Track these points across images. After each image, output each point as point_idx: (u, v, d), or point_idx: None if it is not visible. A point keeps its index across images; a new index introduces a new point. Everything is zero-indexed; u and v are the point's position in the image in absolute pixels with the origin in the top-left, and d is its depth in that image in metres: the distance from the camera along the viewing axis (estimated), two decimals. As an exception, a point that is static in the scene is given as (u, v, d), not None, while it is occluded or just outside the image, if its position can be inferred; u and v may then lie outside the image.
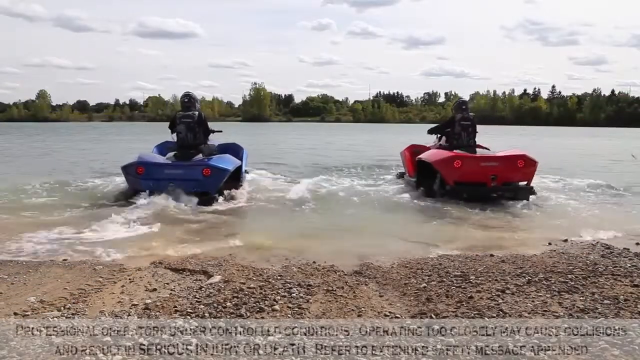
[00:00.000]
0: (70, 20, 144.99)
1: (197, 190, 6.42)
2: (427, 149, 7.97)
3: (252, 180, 8.63)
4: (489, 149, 7.72)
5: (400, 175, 9.13)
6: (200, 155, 6.98)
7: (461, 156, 6.79)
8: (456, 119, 7.58)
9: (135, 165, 6.56)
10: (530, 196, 6.79)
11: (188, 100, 7.28)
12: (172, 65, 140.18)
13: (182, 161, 6.80)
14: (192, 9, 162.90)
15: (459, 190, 6.69)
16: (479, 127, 7.79)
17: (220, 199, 6.58)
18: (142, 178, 6.47)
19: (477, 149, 7.56)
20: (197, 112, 7.20)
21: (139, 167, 6.53)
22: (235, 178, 7.38)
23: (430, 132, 8.13)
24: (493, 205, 6.57)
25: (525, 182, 6.86)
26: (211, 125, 7.53)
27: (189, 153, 6.98)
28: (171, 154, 7.27)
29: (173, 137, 7.39)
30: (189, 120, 7.10)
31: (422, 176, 7.46)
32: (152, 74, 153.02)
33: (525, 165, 6.70)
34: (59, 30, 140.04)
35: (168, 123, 7.54)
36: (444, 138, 7.78)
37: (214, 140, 7.72)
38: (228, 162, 7.01)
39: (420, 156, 7.50)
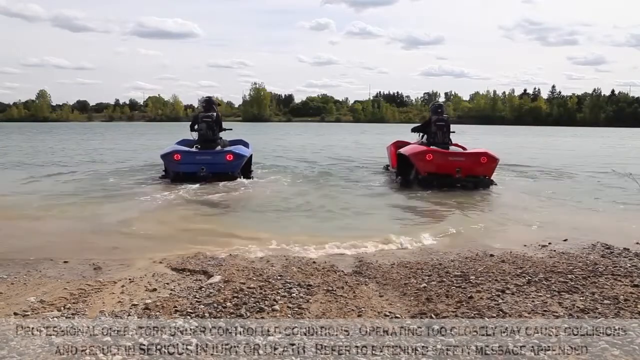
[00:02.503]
0: (69, 20, 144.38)
1: (222, 172, 8.15)
2: (410, 144, 9.23)
3: (254, 180, 8.92)
4: (465, 148, 8.90)
5: (386, 167, 10.29)
6: (219, 147, 8.62)
7: (432, 151, 7.97)
8: (432, 120, 8.69)
9: (173, 154, 8.21)
10: (491, 186, 8.00)
11: (208, 103, 8.89)
12: (172, 65, 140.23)
13: (205, 151, 8.43)
14: (191, 8, 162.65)
15: (430, 179, 7.82)
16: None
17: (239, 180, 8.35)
18: (179, 163, 8.10)
19: (452, 147, 8.68)
20: (215, 113, 8.72)
21: (176, 154, 8.17)
22: (247, 167, 8.94)
23: (413, 130, 9.26)
24: (492, 205, 6.62)
25: (487, 175, 8.02)
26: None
27: (210, 146, 8.56)
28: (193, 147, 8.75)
29: (193, 135, 8.84)
30: (209, 119, 8.62)
31: (402, 167, 8.61)
32: (151, 73, 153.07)
33: (487, 161, 7.94)
34: (58, 30, 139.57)
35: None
36: (425, 136, 8.87)
37: (224, 136, 9.21)
38: (245, 151, 8.80)
39: (400, 150, 8.69)
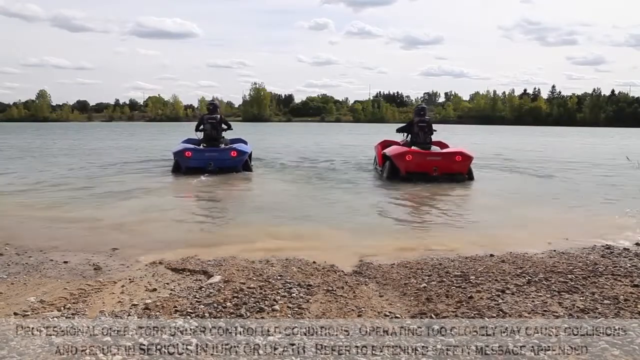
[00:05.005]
0: (68, 20, 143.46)
1: (227, 166, 9.35)
2: (395, 143, 10.02)
3: (254, 180, 9.17)
4: (447, 145, 9.77)
5: (375, 165, 10.99)
6: (222, 145, 9.78)
7: (412, 152, 8.80)
8: (415, 122, 9.46)
9: (184, 151, 9.41)
10: (470, 180, 8.86)
11: (213, 106, 10.13)
12: (171, 65, 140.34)
13: (212, 148, 9.60)
14: (190, 8, 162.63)
15: (410, 177, 8.62)
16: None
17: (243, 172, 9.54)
18: (190, 159, 9.29)
19: (434, 146, 9.51)
20: (218, 116, 9.97)
21: (187, 151, 9.37)
22: (247, 162, 9.93)
23: (398, 131, 9.96)
24: (491, 205, 6.62)
25: (462, 172, 8.83)
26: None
27: (214, 144, 9.73)
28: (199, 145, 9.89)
29: (198, 135, 9.97)
30: (213, 121, 9.82)
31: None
32: (151, 73, 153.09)
33: (462, 159, 8.77)
34: (57, 30, 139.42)
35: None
36: (409, 136, 9.58)
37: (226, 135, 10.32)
38: (246, 148, 10.04)
39: (384, 150, 9.58)
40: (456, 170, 8.78)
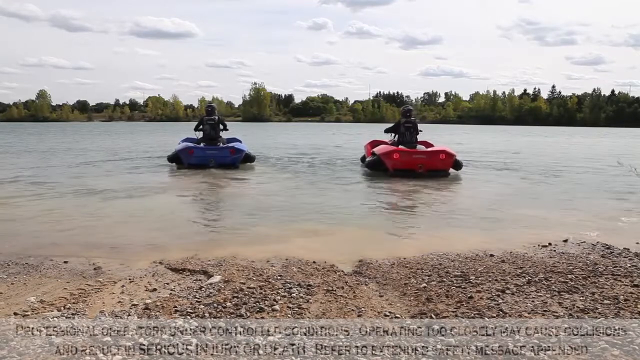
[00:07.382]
0: (66, 20, 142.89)
1: (227, 163, 10.30)
2: (384, 143, 10.71)
3: (253, 179, 9.23)
4: (432, 145, 10.62)
5: (363, 160, 11.56)
6: (220, 144, 10.83)
7: (399, 150, 9.47)
8: (401, 122, 10.22)
9: (187, 149, 10.41)
10: (456, 172, 9.72)
11: (211, 108, 11.16)
12: (170, 65, 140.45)
13: (213, 147, 10.64)
14: (188, 8, 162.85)
15: (397, 174, 9.18)
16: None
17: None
18: (193, 156, 10.27)
19: (419, 145, 10.25)
20: (217, 117, 11.04)
21: (190, 150, 10.40)
22: (245, 159, 10.95)
23: (386, 131, 10.65)
24: (491, 205, 6.62)
25: (446, 169, 9.53)
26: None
27: (213, 143, 10.80)
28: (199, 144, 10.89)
29: (197, 134, 11.10)
30: (212, 122, 10.89)
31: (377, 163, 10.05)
32: (150, 73, 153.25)
33: (445, 157, 9.46)
34: (56, 30, 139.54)
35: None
36: (396, 135, 10.28)
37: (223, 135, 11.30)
38: (243, 147, 11.08)
39: (373, 149, 10.29)
40: (440, 168, 9.42)
